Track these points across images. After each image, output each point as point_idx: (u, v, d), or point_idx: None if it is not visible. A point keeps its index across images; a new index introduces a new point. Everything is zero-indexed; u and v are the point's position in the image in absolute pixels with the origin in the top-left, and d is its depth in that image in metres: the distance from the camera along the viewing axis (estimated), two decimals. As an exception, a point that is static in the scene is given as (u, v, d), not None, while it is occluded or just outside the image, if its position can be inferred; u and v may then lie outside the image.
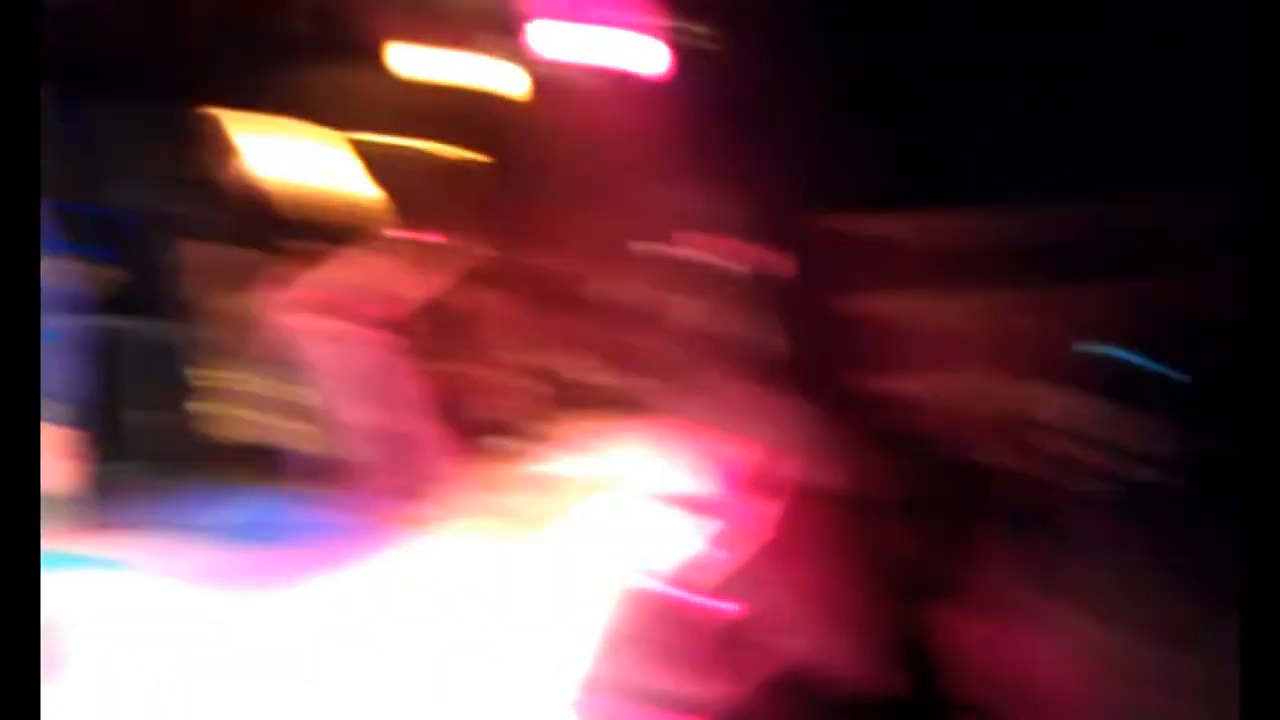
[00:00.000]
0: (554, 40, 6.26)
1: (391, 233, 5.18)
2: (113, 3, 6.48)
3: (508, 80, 6.34)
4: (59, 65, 6.90)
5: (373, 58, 6.25)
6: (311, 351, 5.17)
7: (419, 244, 5.15)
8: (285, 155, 5.13)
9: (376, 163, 6.39)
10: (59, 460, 2.58)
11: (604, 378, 6.45)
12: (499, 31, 6.25)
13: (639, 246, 6.66)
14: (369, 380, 5.21)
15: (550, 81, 6.34)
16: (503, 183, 6.31)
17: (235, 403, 5.92)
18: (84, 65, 6.75)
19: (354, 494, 5.20)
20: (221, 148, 5.06)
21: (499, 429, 6.27)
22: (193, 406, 6.41)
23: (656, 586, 3.99)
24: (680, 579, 4.07)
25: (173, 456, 6.25)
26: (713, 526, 4.28)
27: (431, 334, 6.42)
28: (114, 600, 4.07)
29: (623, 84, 6.19)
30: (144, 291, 6.62)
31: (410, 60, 6.14)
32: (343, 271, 5.14)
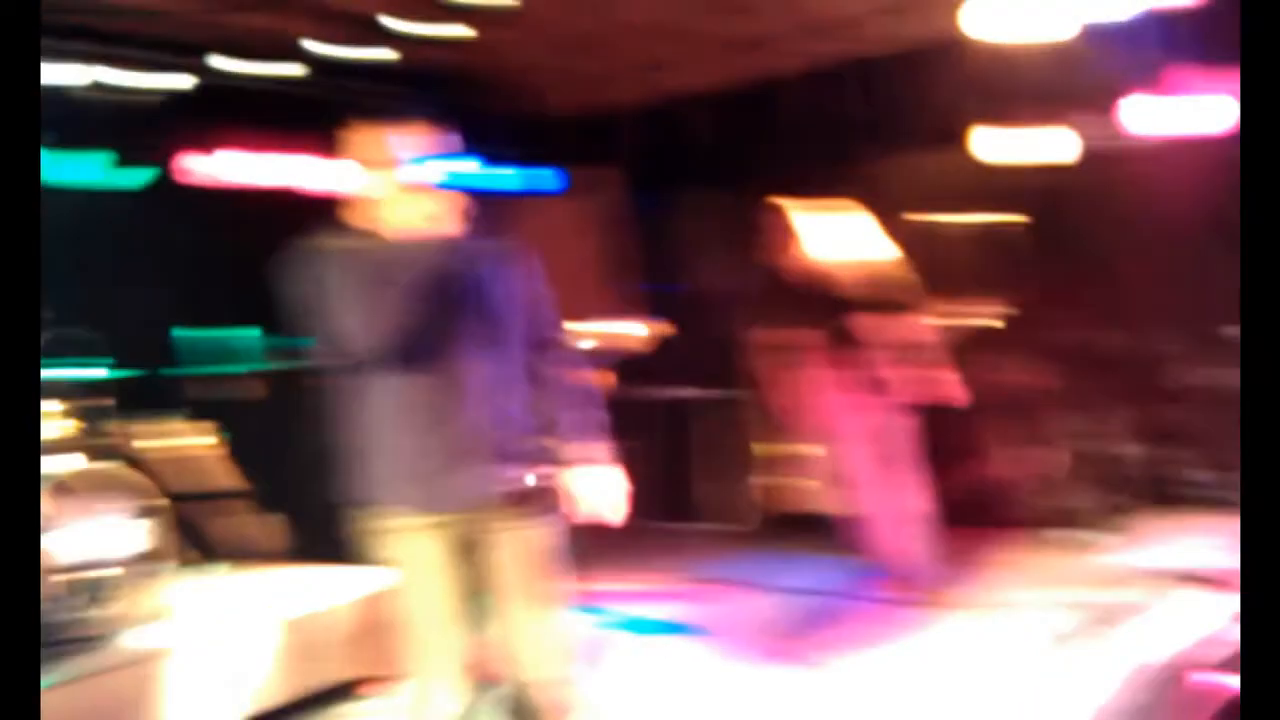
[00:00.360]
0: (1145, 113, 5.82)
1: (949, 313, 4.95)
2: (689, 103, 6.87)
3: (1079, 153, 5.96)
4: (640, 162, 7.54)
5: (947, 140, 6.13)
6: (856, 428, 5.07)
7: (979, 324, 4.89)
8: (846, 237, 5.10)
9: (942, 241, 6.24)
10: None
11: (1190, 470, 5.80)
12: (1086, 108, 5.92)
13: (1230, 329, 5.96)
14: (908, 459, 5.03)
15: (1134, 153, 5.87)
16: (1076, 259, 5.90)
17: (789, 472, 5.91)
18: (663, 161, 7.26)
19: (893, 570, 5.01)
20: (784, 232, 5.13)
21: (1064, 519, 5.83)
22: (753, 474, 6.55)
23: (1189, 668, 3.50)
24: (1210, 659, 3.54)
25: (734, 521, 6.47)
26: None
27: (995, 416, 6.14)
28: (672, 661, 4.25)
29: (1210, 150, 5.61)
30: (711, 365, 6.92)
31: (986, 140, 5.91)
32: (895, 351, 5.00)
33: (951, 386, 4.81)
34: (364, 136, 2.69)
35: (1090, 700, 3.62)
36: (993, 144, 5.77)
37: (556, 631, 2.79)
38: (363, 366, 2.64)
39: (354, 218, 2.73)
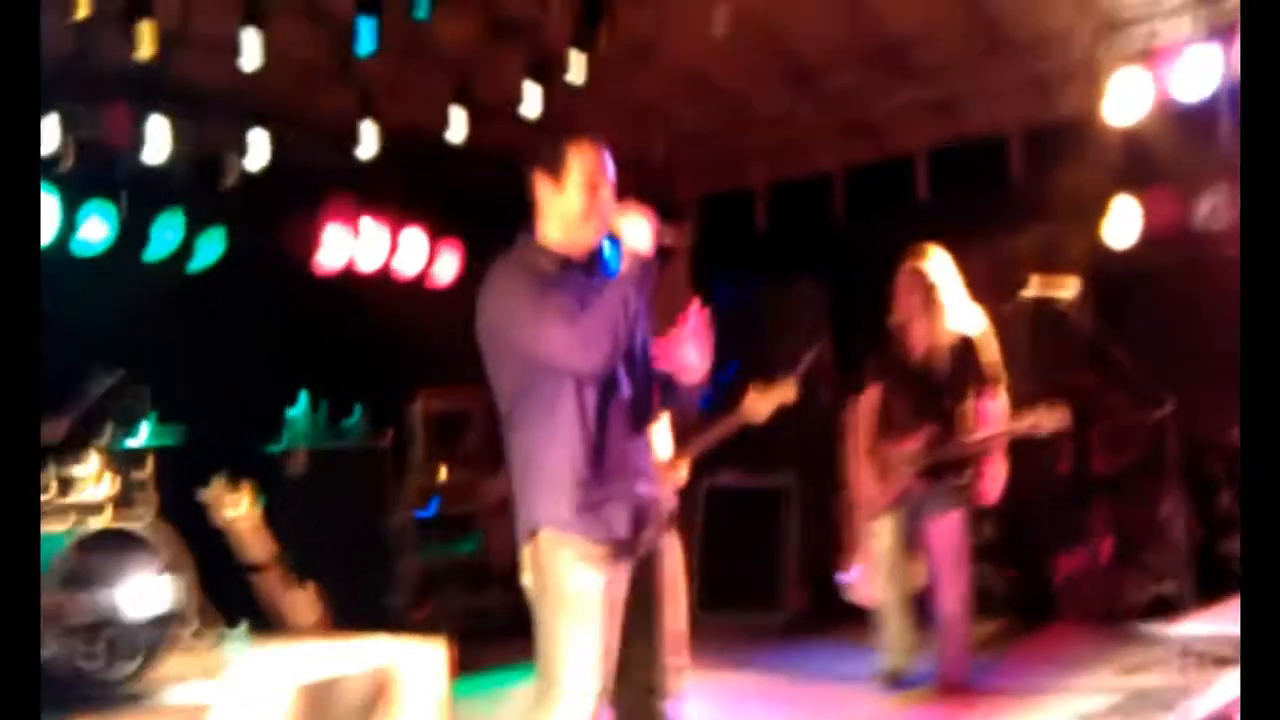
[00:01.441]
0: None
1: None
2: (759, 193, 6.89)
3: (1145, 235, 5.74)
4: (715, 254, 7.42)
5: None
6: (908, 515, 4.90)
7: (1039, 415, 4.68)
8: (948, 314, 4.86)
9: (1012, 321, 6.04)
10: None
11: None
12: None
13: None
14: (955, 552, 4.85)
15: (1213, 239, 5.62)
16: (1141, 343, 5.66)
17: (839, 561, 5.72)
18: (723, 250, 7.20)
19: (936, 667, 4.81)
20: (921, 295, 4.87)
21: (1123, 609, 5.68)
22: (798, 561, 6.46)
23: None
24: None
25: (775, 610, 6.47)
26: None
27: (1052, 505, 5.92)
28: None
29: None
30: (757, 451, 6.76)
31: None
32: (975, 441, 4.81)
33: (997, 483, 4.64)
34: (586, 153, 2.84)
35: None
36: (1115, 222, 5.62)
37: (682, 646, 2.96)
38: (554, 387, 2.72)
39: (548, 238, 2.86)
